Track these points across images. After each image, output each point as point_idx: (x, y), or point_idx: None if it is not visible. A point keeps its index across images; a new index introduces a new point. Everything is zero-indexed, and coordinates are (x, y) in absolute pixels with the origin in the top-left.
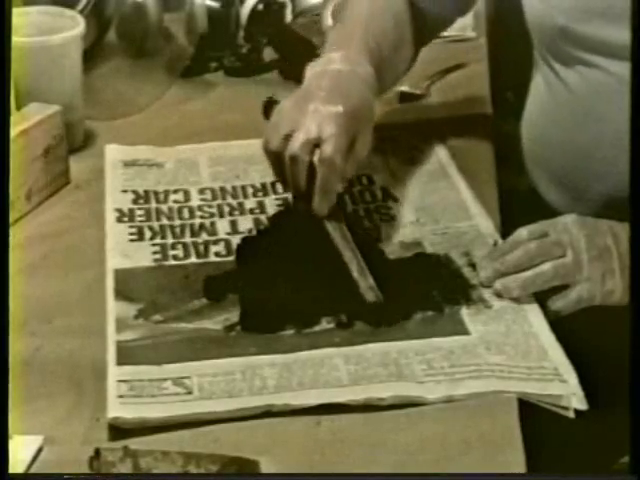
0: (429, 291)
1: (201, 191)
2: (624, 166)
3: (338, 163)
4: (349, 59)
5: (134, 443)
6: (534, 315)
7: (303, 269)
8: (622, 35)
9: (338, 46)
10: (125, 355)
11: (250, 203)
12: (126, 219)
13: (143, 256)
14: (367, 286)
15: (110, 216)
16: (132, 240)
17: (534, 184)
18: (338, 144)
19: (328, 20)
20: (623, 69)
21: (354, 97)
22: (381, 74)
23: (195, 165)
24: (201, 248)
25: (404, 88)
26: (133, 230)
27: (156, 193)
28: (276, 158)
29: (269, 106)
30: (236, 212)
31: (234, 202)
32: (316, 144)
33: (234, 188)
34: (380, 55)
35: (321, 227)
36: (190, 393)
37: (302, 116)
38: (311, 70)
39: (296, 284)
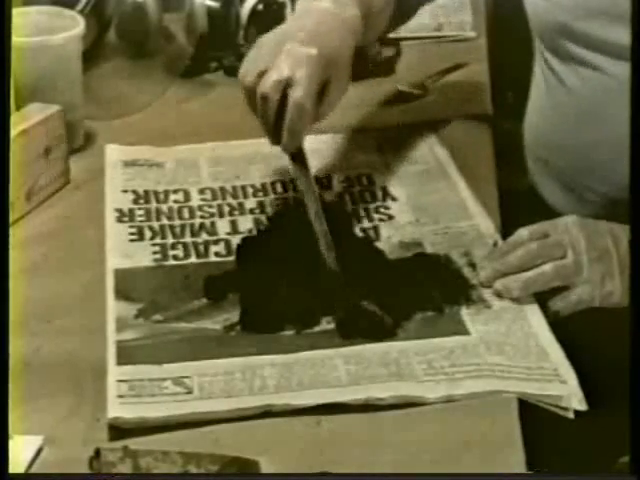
0: (429, 291)
1: (201, 191)
2: (624, 167)
3: (307, 106)
4: (338, 0)
5: (134, 443)
6: (534, 315)
7: (303, 269)
8: (623, 34)
9: None
10: (125, 355)
11: (250, 203)
12: (126, 219)
13: (143, 256)
14: (323, 240)
15: (110, 216)
16: (132, 240)
17: (535, 184)
18: (308, 87)
19: None
20: (623, 69)
21: (333, 40)
22: (368, 21)
23: (195, 165)
24: (201, 248)
25: (404, 88)
26: (133, 230)
27: (156, 193)
28: (250, 93)
29: None
30: (236, 212)
31: (234, 202)
32: (288, 84)
33: (234, 188)
34: (370, 4)
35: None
36: (190, 393)
37: (277, 54)
38: (300, 4)
39: (296, 284)
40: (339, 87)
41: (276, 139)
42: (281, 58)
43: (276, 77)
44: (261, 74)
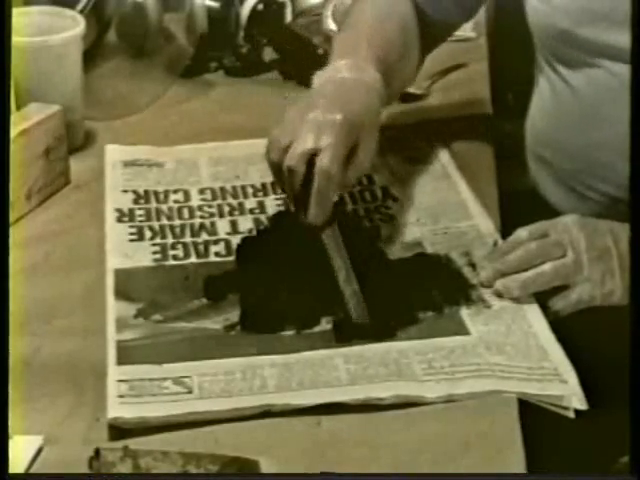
0: (429, 291)
1: (201, 191)
2: (626, 167)
3: (334, 173)
4: (356, 66)
5: (134, 443)
6: (534, 315)
7: (303, 269)
8: (625, 38)
9: (344, 54)
10: (125, 355)
11: (250, 203)
12: (126, 219)
13: (143, 256)
14: (354, 300)
15: (110, 216)
16: (132, 240)
17: (536, 184)
18: (335, 154)
19: (328, 20)
20: (626, 70)
21: (355, 105)
22: (388, 80)
23: (195, 165)
24: (201, 248)
25: None
26: (133, 230)
27: (156, 193)
28: (276, 168)
29: None
30: (236, 212)
31: (234, 202)
32: (314, 154)
33: (234, 188)
34: (387, 61)
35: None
36: (190, 392)
37: (301, 126)
38: (317, 79)
39: (296, 284)
40: (367, 150)
41: (304, 212)
42: (305, 128)
43: (302, 148)
44: (286, 148)
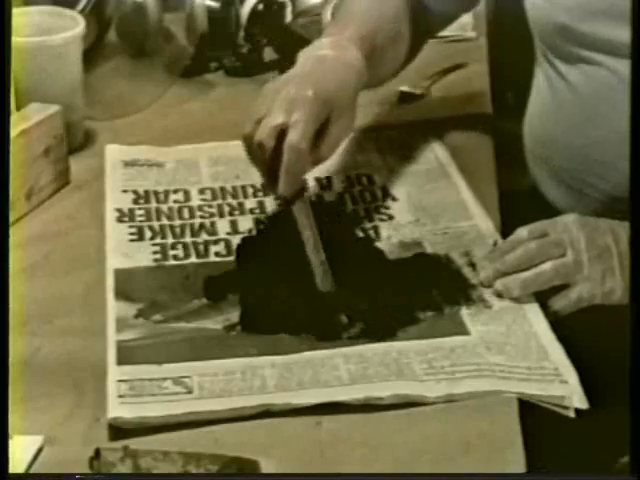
0: (429, 291)
1: (201, 191)
2: (626, 165)
3: (303, 148)
4: (337, 44)
5: (134, 443)
6: (534, 315)
7: (303, 269)
8: (624, 34)
9: (330, 33)
10: (125, 355)
11: (250, 203)
12: (126, 219)
13: (143, 256)
14: (320, 269)
15: (110, 216)
16: (132, 240)
17: (536, 183)
18: (304, 130)
19: (328, 20)
20: (625, 67)
21: (330, 82)
22: (374, 63)
23: (195, 165)
24: (201, 248)
25: (404, 88)
26: (133, 230)
27: (156, 193)
28: (249, 142)
29: None
30: (236, 212)
31: (234, 202)
32: (284, 129)
33: (234, 188)
34: (373, 44)
35: (321, 228)
36: (190, 392)
37: (274, 101)
38: (301, 56)
39: (296, 284)
40: (340, 128)
41: (274, 186)
42: (276, 104)
43: (272, 124)
44: (258, 122)
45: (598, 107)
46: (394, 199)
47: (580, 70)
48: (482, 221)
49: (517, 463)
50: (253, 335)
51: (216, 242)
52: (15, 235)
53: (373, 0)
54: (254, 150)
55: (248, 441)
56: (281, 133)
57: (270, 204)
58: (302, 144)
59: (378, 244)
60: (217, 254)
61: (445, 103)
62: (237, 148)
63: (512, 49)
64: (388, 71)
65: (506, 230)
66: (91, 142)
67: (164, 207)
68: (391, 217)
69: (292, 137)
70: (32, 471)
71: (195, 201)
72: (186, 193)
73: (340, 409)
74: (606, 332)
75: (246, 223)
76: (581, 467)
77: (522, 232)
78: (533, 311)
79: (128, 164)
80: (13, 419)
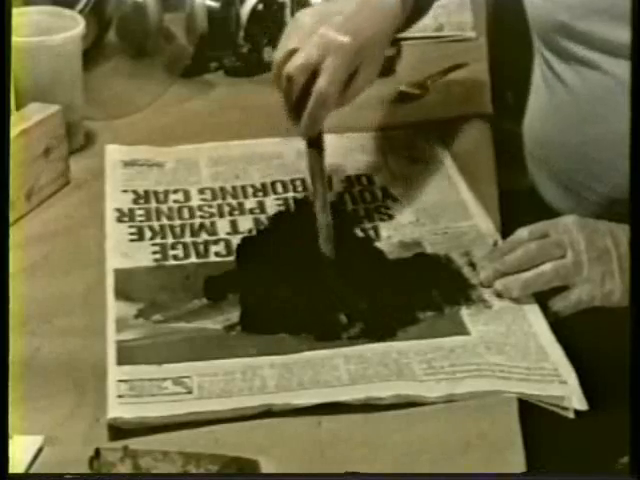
0: (429, 291)
1: (201, 191)
2: (624, 167)
3: (330, 95)
4: None
5: (134, 443)
6: (534, 315)
7: (303, 269)
8: (623, 33)
9: None
10: (125, 355)
11: (250, 203)
12: (126, 219)
13: (143, 256)
14: (324, 231)
15: (110, 216)
16: (132, 240)
17: (535, 184)
18: (335, 77)
19: None
20: (623, 69)
21: (369, 28)
22: (405, 6)
23: (195, 165)
24: (201, 248)
25: (404, 88)
26: (133, 230)
27: (156, 193)
28: (277, 70)
29: None
30: (236, 212)
31: (234, 202)
32: (314, 69)
33: (234, 188)
34: None
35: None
36: (190, 393)
37: (310, 36)
38: None
39: (296, 284)
40: (367, 76)
41: (296, 120)
42: (312, 41)
43: (304, 60)
44: (291, 53)
45: (595, 109)
46: (394, 199)
47: (577, 72)
48: (482, 221)
49: (517, 463)
50: (253, 335)
51: (216, 242)
52: (15, 235)
53: None
54: (282, 80)
55: (248, 441)
56: (311, 71)
57: (270, 204)
58: (331, 91)
59: (378, 244)
60: (217, 254)
61: (445, 103)
62: (237, 148)
63: (512, 49)
64: (409, 19)
65: (506, 230)
66: (91, 142)
67: (164, 207)
68: (391, 217)
69: (322, 83)
70: (32, 471)
71: (195, 201)
72: (186, 193)
73: (340, 409)
74: (605, 333)
75: (246, 223)
76: (581, 467)
77: (522, 233)
78: (533, 311)
79: (128, 164)
80: (13, 419)
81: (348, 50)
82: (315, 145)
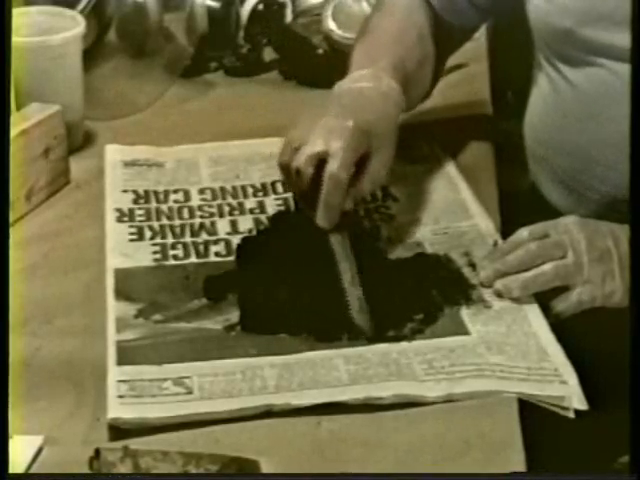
0: (429, 291)
1: (201, 191)
2: (626, 166)
3: (343, 178)
4: (374, 76)
5: (134, 443)
6: (534, 315)
7: (303, 269)
8: (627, 39)
9: (362, 64)
10: (125, 355)
11: (250, 203)
12: (126, 219)
13: (143, 256)
14: (357, 304)
15: (110, 216)
16: (132, 240)
17: (536, 184)
18: (344, 159)
19: (328, 20)
20: (627, 69)
21: (369, 113)
22: (406, 89)
23: (195, 165)
24: (201, 248)
25: None
26: (133, 230)
27: (156, 193)
28: (286, 170)
29: None
30: (236, 212)
31: (234, 202)
32: (323, 158)
33: (234, 188)
34: (405, 70)
35: (321, 228)
36: (190, 393)
37: (312, 130)
38: (337, 88)
39: (296, 285)
40: (382, 159)
41: (312, 213)
42: (316, 132)
43: (310, 151)
44: (296, 150)
45: (599, 108)
46: (394, 199)
47: (582, 72)
48: (482, 221)
49: (517, 463)
50: (253, 335)
51: (216, 242)
52: (15, 235)
53: (399, 26)
54: (292, 177)
55: (248, 441)
56: (320, 162)
57: (270, 204)
58: (342, 173)
59: (378, 244)
60: (217, 254)
61: (445, 103)
62: (237, 148)
63: (512, 49)
64: (420, 94)
65: (506, 230)
66: (91, 142)
67: (164, 207)
68: (391, 217)
69: (332, 166)
70: (32, 471)
71: (195, 201)
72: (186, 193)
73: (340, 409)
74: (606, 333)
75: (246, 223)
76: (581, 467)
77: (523, 233)
78: (533, 311)
79: (128, 164)
80: (13, 419)
81: (352, 132)
82: (337, 230)
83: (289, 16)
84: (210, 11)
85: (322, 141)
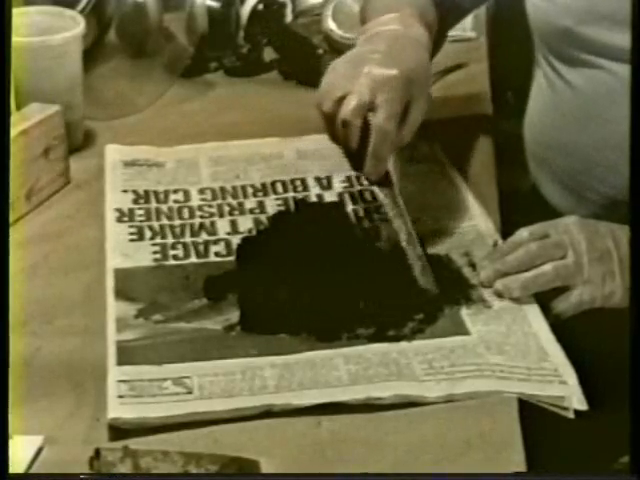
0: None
1: (201, 191)
2: (626, 167)
3: (390, 130)
4: (402, 21)
5: (134, 443)
6: (534, 315)
7: (303, 269)
8: (627, 39)
9: (388, 9)
10: (125, 355)
11: (250, 203)
12: (126, 219)
13: (143, 256)
14: (418, 264)
15: (110, 216)
16: (132, 240)
17: (536, 184)
18: (391, 110)
19: (328, 20)
20: (627, 70)
21: (410, 60)
22: (430, 37)
23: (195, 165)
24: (201, 248)
25: None
26: (133, 230)
27: (156, 193)
28: (329, 120)
29: None
30: (236, 212)
31: (234, 202)
32: (369, 108)
33: (234, 188)
34: (427, 21)
35: (321, 228)
36: (190, 393)
37: (355, 79)
38: (364, 34)
39: (296, 285)
40: (419, 107)
41: (359, 165)
42: (360, 82)
43: (357, 102)
44: (340, 100)
45: (599, 108)
46: None
47: (581, 72)
48: (482, 221)
49: (517, 463)
50: (253, 335)
51: (216, 242)
52: (15, 235)
53: None
54: (337, 129)
55: (248, 441)
56: (366, 111)
57: (270, 204)
58: (390, 125)
59: (378, 244)
60: (217, 254)
61: (445, 103)
62: (237, 148)
63: (512, 49)
64: (437, 48)
65: (506, 230)
66: (91, 142)
67: (164, 207)
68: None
69: (380, 118)
70: (32, 471)
71: (195, 201)
72: (186, 193)
73: (340, 409)
74: (605, 333)
75: (246, 223)
76: (581, 467)
77: (523, 233)
78: (533, 312)
79: (128, 164)
80: (13, 419)
81: (398, 82)
82: (384, 184)
83: (289, 16)
84: (210, 11)
85: (368, 91)
